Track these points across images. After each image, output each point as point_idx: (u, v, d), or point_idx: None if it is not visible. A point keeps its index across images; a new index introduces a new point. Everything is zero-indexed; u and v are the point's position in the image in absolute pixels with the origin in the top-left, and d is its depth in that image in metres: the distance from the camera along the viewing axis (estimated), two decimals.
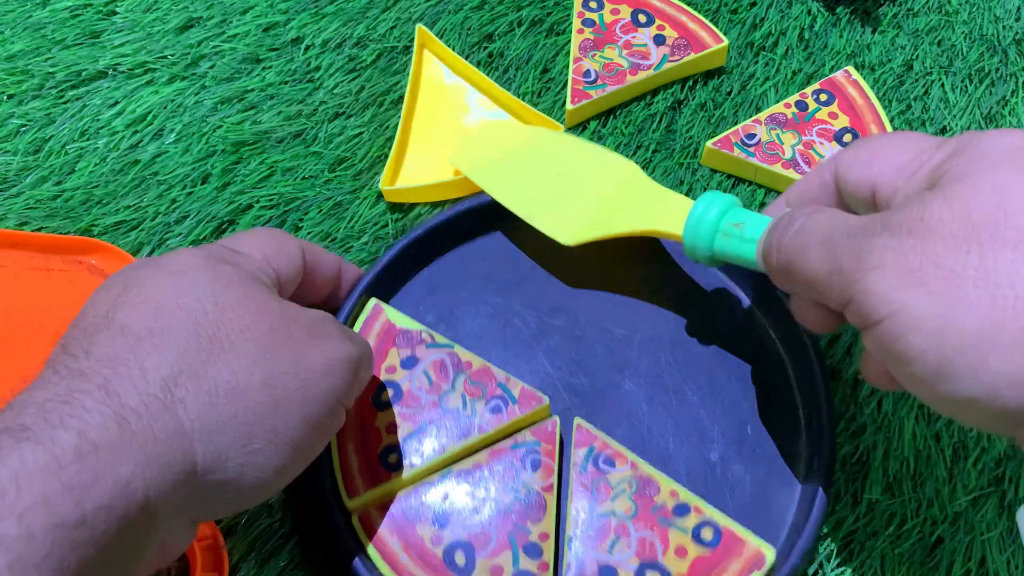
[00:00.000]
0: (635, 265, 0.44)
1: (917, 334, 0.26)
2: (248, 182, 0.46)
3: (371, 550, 0.36)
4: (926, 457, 0.40)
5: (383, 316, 0.41)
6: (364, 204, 0.46)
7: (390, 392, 0.39)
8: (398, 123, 0.47)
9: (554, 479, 0.37)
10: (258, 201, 0.46)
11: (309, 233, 0.45)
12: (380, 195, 0.46)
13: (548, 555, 0.35)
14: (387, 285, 0.42)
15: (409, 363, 0.39)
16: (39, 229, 0.44)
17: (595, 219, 0.41)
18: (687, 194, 0.47)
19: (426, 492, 0.37)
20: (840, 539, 0.38)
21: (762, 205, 0.47)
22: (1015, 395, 0.25)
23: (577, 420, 0.39)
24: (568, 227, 0.41)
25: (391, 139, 0.48)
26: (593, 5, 0.51)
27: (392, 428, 0.38)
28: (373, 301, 0.41)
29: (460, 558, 0.35)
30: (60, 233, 0.44)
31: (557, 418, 0.39)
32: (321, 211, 0.46)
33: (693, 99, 0.50)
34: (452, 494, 0.37)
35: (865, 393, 0.42)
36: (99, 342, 0.27)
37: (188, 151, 0.47)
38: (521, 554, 0.35)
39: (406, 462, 0.37)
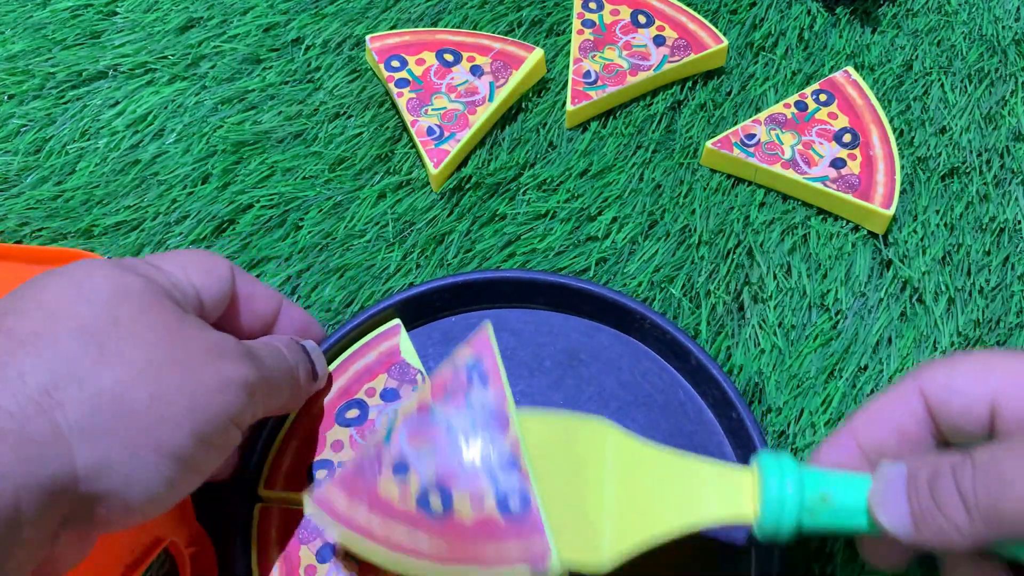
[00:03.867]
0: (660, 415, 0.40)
1: None
2: (248, 182, 0.46)
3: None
4: None
5: (395, 340, 0.40)
6: (364, 204, 0.46)
7: (356, 413, 0.38)
8: (398, 123, 0.47)
9: (501, 380, 0.33)
10: (258, 201, 0.46)
11: (309, 232, 0.45)
12: (380, 195, 0.46)
13: (524, 462, 0.31)
14: (409, 313, 0.41)
15: (389, 396, 0.39)
16: (40, 229, 0.44)
17: (630, 524, 0.31)
18: (686, 195, 0.47)
19: (384, 445, 0.33)
20: (842, 538, 0.38)
21: (762, 205, 0.47)
22: None
23: (487, 324, 0.34)
24: (594, 545, 0.31)
25: (391, 139, 0.48)
26: (593, 6, 0.51)
27: (337, 446, 0.37)
28: (396, 321, 0.40)
29: (435, 501, 0.31)
30: (61, 233, 0.44)
31: (488, 325, 0.34)
32: (321, 211, 0.46)
33: (693, 99, 0.50)
34: (408, 439, 0.33)
35: (866, 392, 0.42)
36: None
37: (188, 151, 0.47)
38: (498, 474, 0.31)
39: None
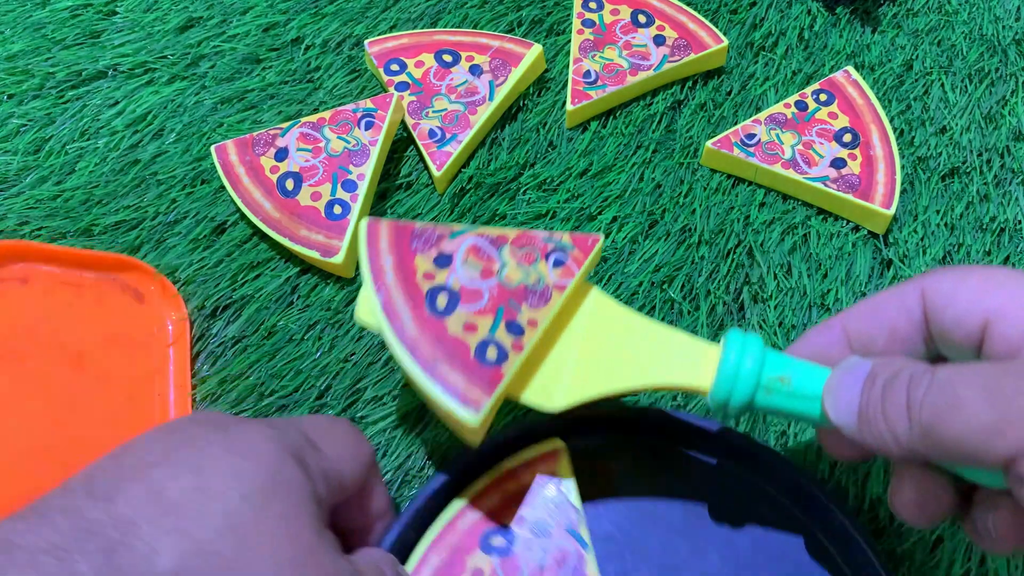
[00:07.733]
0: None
1: None
2: None
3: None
4: None
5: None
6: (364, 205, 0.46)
7: (503, 542, 0.35)
8: (399, 124, 0.47)
9: (570, 283, 0.33)
10: None
11: None
12: (381, 195, 0.46)
13: (527, 341, 0.32)
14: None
15: (540, 531, 0.35)
16: (39, 229, 0.44)
17: (588, 375, 0.33)
18: (686, 195, 0.47)
19: (448, 237, 0.33)
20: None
21: (762, 205, 0.47)
22: None
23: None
24: (552, 390, 0.33)
25: (392, 140, 0.48)
26: (593, 5, 0.51)
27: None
28: (559, 444, 0.36)
29: (442, 300, 0.32)
30: (60, 233, 0.44)
31: (602, 237, 0.34)
32: None
33: (693, 99, 0.50)
34: (467, 249, 0.33)
35: None
36: (126, 493, 0.26)
37: (188, 151, 0.47)
38: (501, 325, 0.32)
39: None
